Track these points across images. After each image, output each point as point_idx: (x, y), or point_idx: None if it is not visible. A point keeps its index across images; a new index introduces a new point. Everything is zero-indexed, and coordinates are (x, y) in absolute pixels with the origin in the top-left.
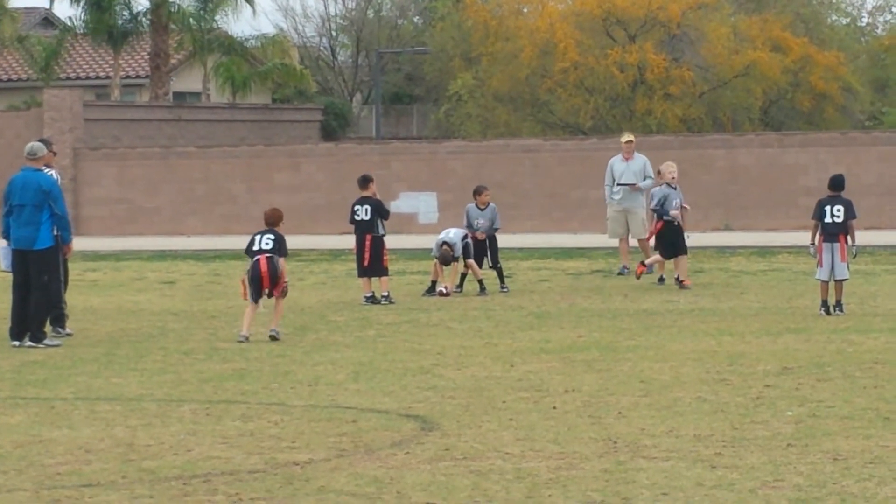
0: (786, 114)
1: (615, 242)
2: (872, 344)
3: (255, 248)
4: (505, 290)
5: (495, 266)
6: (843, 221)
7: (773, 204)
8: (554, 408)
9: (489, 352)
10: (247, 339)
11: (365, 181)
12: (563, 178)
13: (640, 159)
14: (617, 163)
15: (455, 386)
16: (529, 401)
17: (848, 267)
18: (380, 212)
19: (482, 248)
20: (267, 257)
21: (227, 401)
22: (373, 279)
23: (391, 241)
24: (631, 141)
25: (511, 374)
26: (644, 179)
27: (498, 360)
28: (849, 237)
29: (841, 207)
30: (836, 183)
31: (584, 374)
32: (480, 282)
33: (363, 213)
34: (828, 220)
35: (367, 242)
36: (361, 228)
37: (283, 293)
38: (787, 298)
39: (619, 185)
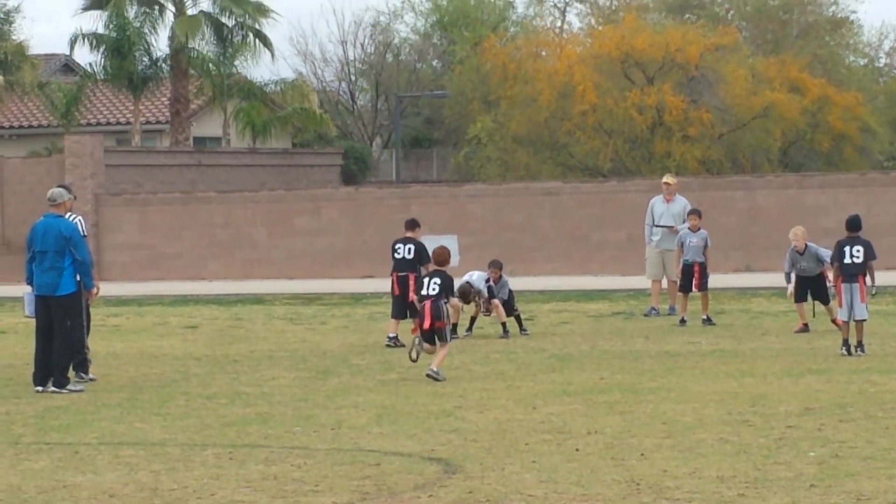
0: (805, 155)
1: (646, 283)
2: (894, 384)
3: (424, 291)
4: (525, 333)
5: (512, 314)
6: (862, 262)
7: None
8: (577, 450)
9: (511, 394)
10: (420, 340)
11: (412, 224)
12: (583, 221)
13: (680, 202)
14: (657, 204)
15: (477, 429)
16: (552, 443)
17: (867, 307)
18: (421, 255)
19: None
20: (431, 301)
21: (251, 445)
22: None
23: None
24: (669, 183)
25: (533, 417)
26: (683, 222)
27: (520, 403)
28: (868, 277)
29: (860, 248)
30: (854, 223)
31: (606, 416)
32: (504, 324)
33: (405, 251)
34: (847, 260)
35: (411, 282)
36: (403, 267)
37: (444, 337)
38: (808, 339)
39: (657, 226)
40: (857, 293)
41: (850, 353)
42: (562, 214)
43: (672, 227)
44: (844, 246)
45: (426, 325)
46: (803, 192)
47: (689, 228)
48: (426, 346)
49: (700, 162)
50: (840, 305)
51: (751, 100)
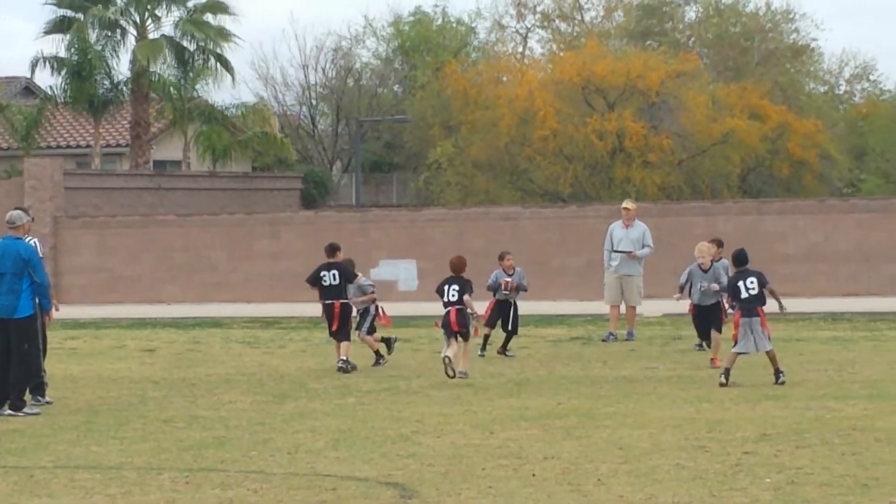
0: (764, 181)
1: (604, 308)
2: (850, 411)
3: (445, 299)
4: (510, 354)
5: (515, 331)
6: (758, 293)
7: None
8: (533, 475)
9: (468, 419)
10: (449, 359)
11: (333, 249)
12: (543, 246)
13: (639, 227)
14: (617, 229)
15: (434, 453)
16: (509, 468)
17: (769, 337)
18: (347, 275)
19: (505, 310)
20: (457, 309)
21: (207, 469)
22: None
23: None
24: (629, 208)
25: (490, 442)
26: (642, 248)
27: (477, 428)
28: (773, 303)
29: (753, 279)
30: (741, 258)
31: (563, 441)
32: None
33: (330, 278)
34: (744, 295)
35: (337, 310)
36: (329, 295)
37: (467, 337)
38: (766, 365)
39: (616, 251)
40: (757, 326)
41: (727, 383)
42: (521, 239)
43: (631, 252)
44: (737, 281)
45: (454, 329)
46: (762, 218)
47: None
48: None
49: (660, 188)
50: (735, 340)
51: (711, 126)
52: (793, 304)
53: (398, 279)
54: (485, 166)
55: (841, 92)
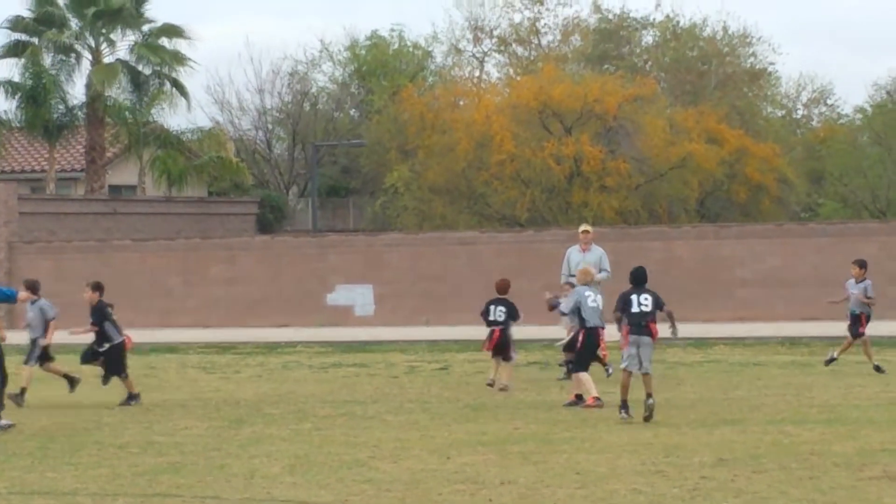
0: (722, 205)
1: (562, 333)
2: (808, 435)
3: (491, 318)
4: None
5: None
6: (651, 310)
7: (710, 295)
8: (490, 500)
9: (425, 444)
10: (492, 384)
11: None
12: (500, 270)
13: (596, 251)
14: (574, 253)
15: (391, 479)
16: (465, 493)
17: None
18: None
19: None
20: (500, 329)
21: (163, 494)
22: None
23: (325, 334)
24: (587, 231)
25: (447, 467)
26: (600, 272)
27: (434, 453)
28: (667, 325)
29: (648, 297)
30: (640, 276)
31: (520, 466)
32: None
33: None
34: (635, 309)
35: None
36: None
37: (508, 358)
38: (724, 390)
39: (573, 276)
40: (647, 346)
41: (628, 414)
42: (478, 264)
43: None
44: (631, 295)
45: (490, 347)
46: (720, 242)
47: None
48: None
49: (617, 212)
50: (624, 348)
51: (668, 150)
52: (750, 329)
53: (355, 304)
54: (442, 191)
55: (798, 116)
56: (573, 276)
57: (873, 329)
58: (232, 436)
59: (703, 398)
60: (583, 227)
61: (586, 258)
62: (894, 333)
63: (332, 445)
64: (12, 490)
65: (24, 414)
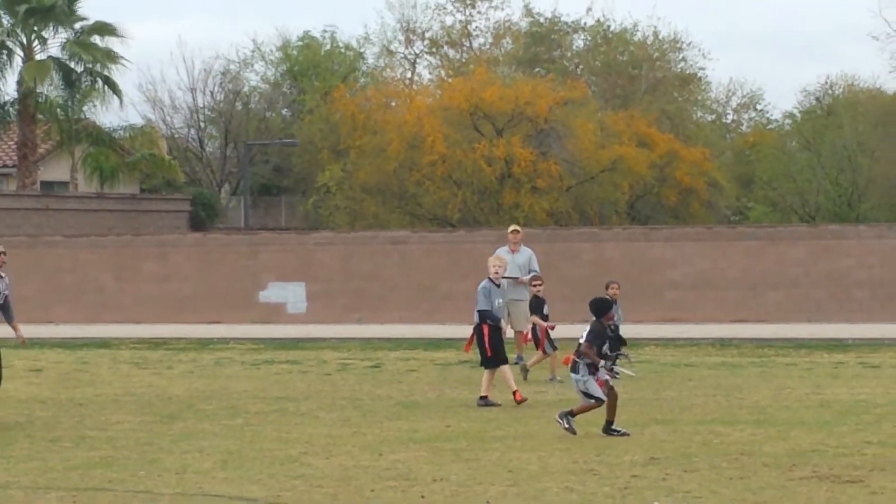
0: (652, 208)
1: None
2: (738, 436)
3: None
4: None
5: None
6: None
7: (640, 297)
8: (422, 497)
9: (357, 441)
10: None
11: None
12: (431, 270)
13: (525, 252)
14: (503, 254)
15: (323, 475)
16: (397, 490)
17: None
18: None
19: None
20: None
21: (95, 488)
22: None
23: (257, 331)
24: (517, 231)
25: (379, 464)
26: (528, 272)
27: (366, 450)
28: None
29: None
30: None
31: (452, 463)
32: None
33: None
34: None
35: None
36: None
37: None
38: (655, 390)
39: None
40: None
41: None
42: (410, 263)
43: (518, 278)
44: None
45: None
46: (650, 244)
47: None
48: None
49: (548, 213)
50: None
51: (599, 153)
52: (681, 331)
53: (287, 302)
54: (374, 190)
55: (728, 121)
56: (504, 277)
57: (813, 331)
58: (164, 431)
59: (633, 398)
60: (511, 228)
61: (515, 259)
62: (830, 336)
63: (265, 441)
64: None
65: None
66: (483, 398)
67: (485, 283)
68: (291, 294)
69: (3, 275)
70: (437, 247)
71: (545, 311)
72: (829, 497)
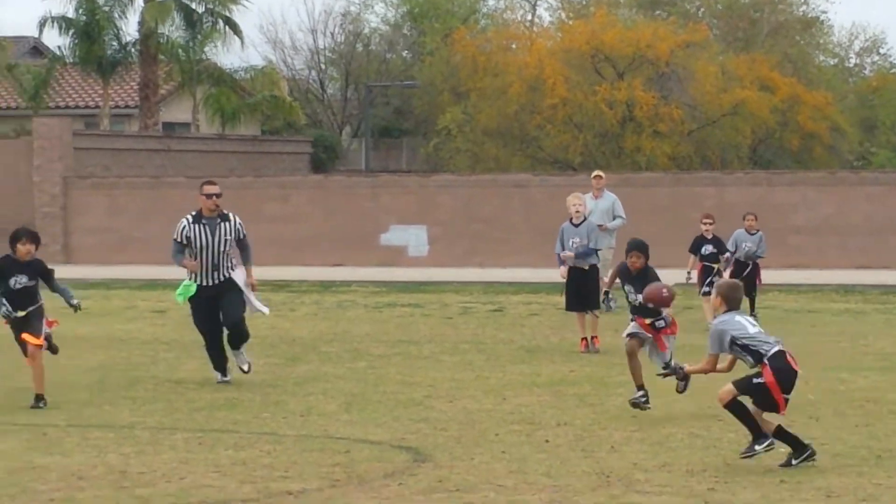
0: (774, 153)
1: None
2: (863, 382)
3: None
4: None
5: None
6: None
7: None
8: (546, 441)
9: (480, 385)
10: None
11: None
12: (553, 214)
13: (609, 197)
14: (587, 200)
15: (447, 418)
16: (521, 434)
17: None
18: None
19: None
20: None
21: (219, 430)
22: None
23: (379, 274)
24: (600, 177)
25: (502, 408)
26: (613, 219)
27: (489, 394)
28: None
29: None
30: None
31: (576, 408)
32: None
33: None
34: None
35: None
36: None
37: None
38: (784, 336)
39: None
40: None
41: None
42: (531, 207)
43: (602, 224)
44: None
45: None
46: (772, 189)
47: None
48: None
49: (670, 158)
50: None
51: (720, 97)
52: (804, 276)
53: (408, 244)
54: (494, 133)
55: (851, 65)
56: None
57: None
58: (288, 373)
59: None
60: (594, 173)
61: (598, 205)
62: None
63: (388, 384)
64: (71, 423)
65: (80, 349)
66: (582, 340)
67: (564, 223)
68: (413, 237)
69: (230, 216)
70: (558, 190)
71: (704, 250)
72: None
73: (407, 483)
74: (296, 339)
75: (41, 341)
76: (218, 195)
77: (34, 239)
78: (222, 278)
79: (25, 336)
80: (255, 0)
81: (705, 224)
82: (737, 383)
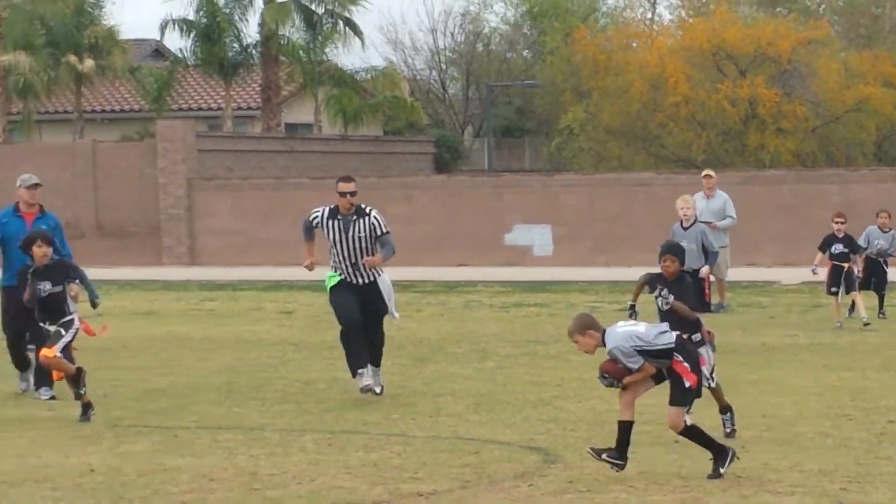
0: None
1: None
2: None
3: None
4: (883, 316)
5: (879, 291)
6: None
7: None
8: (676, 441)
9: None
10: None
11: None
12: (676, 212)
13: (720, 197)
14: (698, 200)
15: (576, 418)
16: (651, 434)
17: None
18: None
19: (875, 270)
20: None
21: (349, 431)
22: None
23: (505, 274)
24: (710, 176)
25: None
26: (724, 219)
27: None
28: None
29: None
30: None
31: (705, 408)
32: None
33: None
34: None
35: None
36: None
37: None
38: None
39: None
40: None
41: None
42: (655, 205)
43: (711, 223)
44: None
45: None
46: None
47: None
48: None
49: (794, 155)
50: None
51: (844, 94)
52: None
53: (533, 244)
54: (617, 132)
55: None
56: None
57: None
58: (416, 374)
59: (886, 343)
60: (705, 172)
61: (710, 205)
62: None
63: (516, 384)
64: (200, 424)
65: (207, 350)
66: None
67: (674, 226)
68: (537, 236)
69: (368, 211)
70: (682, 188)
71: (834, 249)
72: None
73: (537, 484)
74: (423, 340)
75: (53, 353)
76: (353, 193)
77: (49, 241)
78: (366, 280)
79: (44, 350)
80: (375, 0)
81: (837, 223)
82: (674, 401)
